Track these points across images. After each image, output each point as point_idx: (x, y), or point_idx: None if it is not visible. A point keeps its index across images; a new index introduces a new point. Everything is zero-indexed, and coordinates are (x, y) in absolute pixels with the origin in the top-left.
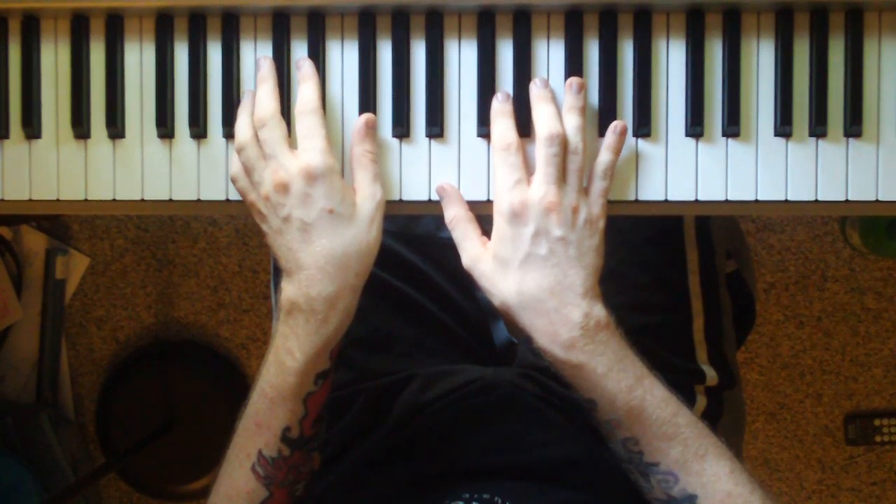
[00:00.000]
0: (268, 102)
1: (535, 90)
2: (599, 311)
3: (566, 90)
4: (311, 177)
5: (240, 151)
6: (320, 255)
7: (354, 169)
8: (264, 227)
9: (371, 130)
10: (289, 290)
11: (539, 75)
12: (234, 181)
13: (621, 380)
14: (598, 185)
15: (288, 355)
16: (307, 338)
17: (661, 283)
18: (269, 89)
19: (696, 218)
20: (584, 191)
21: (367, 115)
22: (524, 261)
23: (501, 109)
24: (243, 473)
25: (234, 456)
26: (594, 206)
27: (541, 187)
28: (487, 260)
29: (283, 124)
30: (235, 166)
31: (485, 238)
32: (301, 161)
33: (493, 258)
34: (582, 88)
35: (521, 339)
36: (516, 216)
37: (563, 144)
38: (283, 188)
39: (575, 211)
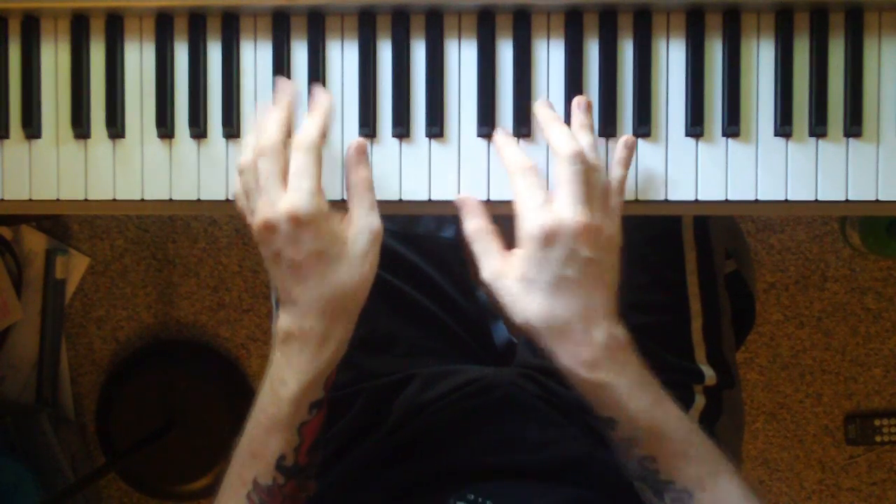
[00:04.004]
0: (272, 132)
1: (545, 112)
2: (620, 330)
3: (574, 110)
4: (298, 222)
5: (240, 173)
6: (311, 295)
7: (349, 197)
8: (261, 251)
9: (363, 156)
10: (283, 319)
11: (539, 75)
12: (235, 199)
13: (641, 398)
14: (614, 201)
15: (282, 384)
16: (301, 367)
17: (660, 284)
18: (279, 118)
19: (695, 218)
20: (604, 207)
21: (357, 141)
22: (553, 283)
23: (507, 140)
24: (239, 501)
25: (230, 483)
26: (614, 223)
27: (570, 207)
28: (512, 278)
29: (283, 158)
30: (237, 185)
31: (506, 252)
32: (288, 203)
33: (520, 278)
34: (589, 108)
35: (520, 339)
36: (547, 238)
37: (585, 162)
38: (271, 229)
39: (600, 230)
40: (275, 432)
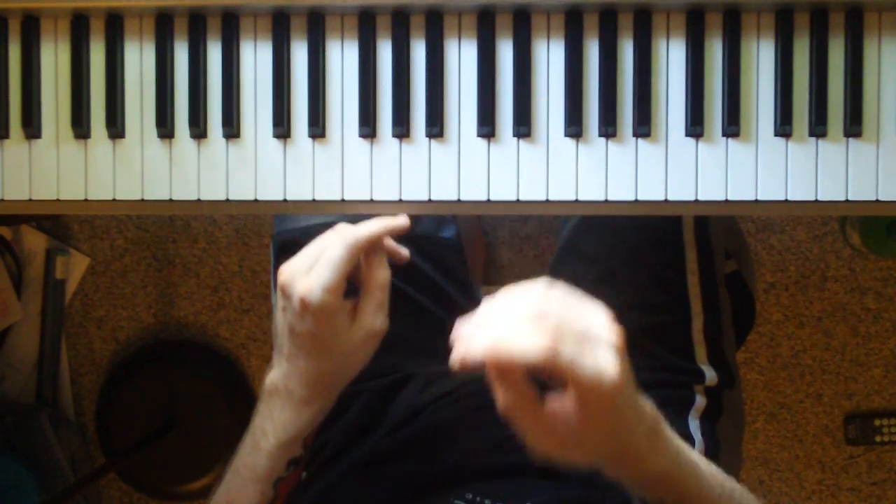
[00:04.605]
0: (326, 277)
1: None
2: (650, 406)
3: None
4: (305, 307)
5: (280, 274)
6: (300, 364)
7: (363, 289)
8: (276, 297)
9: (384, 258)
10: (273, 373)
11: (539, 75)
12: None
13: (684, 467)
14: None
15: (263, 436)
16: (282, 423)
17: (660, 284)
18: (340, 260)
19: (695, 218)
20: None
21: (390, 242)
22: (607, 437)
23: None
24: None
25: None
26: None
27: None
28: (562, 453)
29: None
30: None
31: (543, 408)
32: (305, 287)
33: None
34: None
35: None
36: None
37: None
38: (286, 295)
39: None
40: (252, 484)
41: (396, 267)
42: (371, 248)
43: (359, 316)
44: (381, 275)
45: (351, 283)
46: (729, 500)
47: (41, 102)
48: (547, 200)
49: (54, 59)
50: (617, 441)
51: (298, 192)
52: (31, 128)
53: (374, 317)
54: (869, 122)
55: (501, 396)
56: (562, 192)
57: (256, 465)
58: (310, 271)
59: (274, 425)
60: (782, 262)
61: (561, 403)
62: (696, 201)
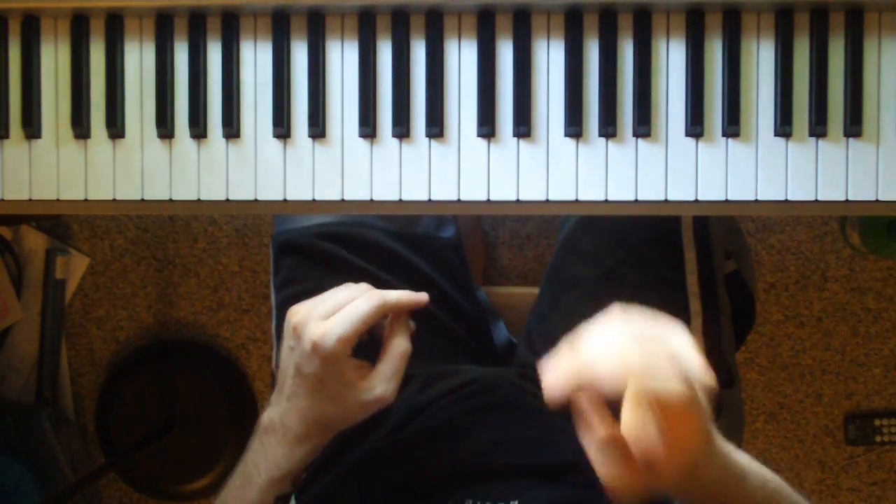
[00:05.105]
0: (340, 335)
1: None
2: (712, 427)
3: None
4: (315, 351)
5: (292, 314)
6: (300, 402)
7: (382, 352)
8: (284, 333)
9: (407, 329)
10: (271, 410)
11: (539, 75)
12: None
13: (751, 482)
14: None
15: (255, 471)
16: (274, 460)
17: (659, 283)
18: (354, 323)
19: (695, 218)
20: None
21: (411, 324)
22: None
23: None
24: None
25: None
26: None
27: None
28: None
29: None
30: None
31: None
32: (319, 331)
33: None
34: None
35: (520, 339)
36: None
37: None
38: (297, 335)
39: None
40: None
41: (397, 267)
42: (395, 314)
43: (371, 376)
44: (403, 345)
45: (359, 344)
46: (769, 499)
47: (41, 102)
48: (547, 200)
49: (54, 59)
50: (695, 470)
51: (298, 192)
52: (31, 128)
53: (386, 382)
54: (869, 122)
55: (594, 434)
56: (562, 192)
57: (246, 498)
58: (327, 318)
59: (267, 461)
60: (782, 262)
61: (642, 430)
62: (696, 201)
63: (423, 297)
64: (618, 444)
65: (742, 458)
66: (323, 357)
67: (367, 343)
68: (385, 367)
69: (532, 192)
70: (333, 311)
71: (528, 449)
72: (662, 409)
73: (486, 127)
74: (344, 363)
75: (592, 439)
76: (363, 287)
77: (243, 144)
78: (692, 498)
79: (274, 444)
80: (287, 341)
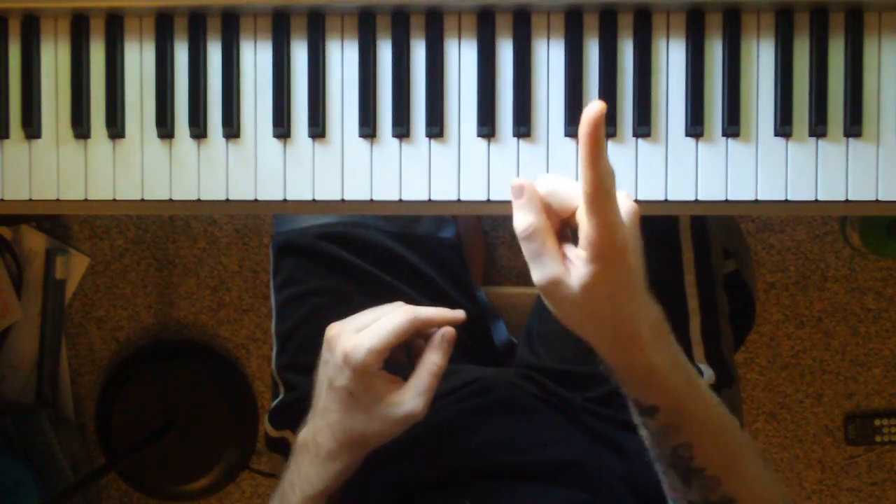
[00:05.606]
0: (370, 347)
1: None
2: (657, 308)
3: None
4: (346, 363)
5: (329, 329)
6: (332, 417)
7: (416, 368)
8: (323, 348)
9: (450, 347)
10: (305, 429)
11: (539, 75)
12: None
13: (679, 376)
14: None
15: (290, 489)
16: (307, 478)
17: (657, 283)
18: (385, 335)
19: (693, 217)
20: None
21: (451, 331)
22: (616, 294)
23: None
24: None
25: None
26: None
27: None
28: (573, 288)
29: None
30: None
31: (561, 252)
32: (350, 343)
33: (582, 288)
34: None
35: (520, 340)
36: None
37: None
38: (330, 347)
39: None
40: None
41: (397, 267)
42: (436, 341)
43: (402, 391)
44: (438, 360)
45: (398, 367)
46: (720, 425)
47: (41, 102)
48: None
49: (54, 59)
50: (621, 316)
51: (298, 192)
52: (31, 128)
53: (416, 398)
54: (869, 122)
55: (523, 219)
56: None
57: None
58: (360, 331)
59: (300, 479)
60: (782, 262)
61: (575, 252)
62: (696, 201)
63: (459, 314)
64: (542, 238)
65: (695, 375)
66: (353, 369)
67: (406, 366)
68: (416, 383)
69: None
70: (367, 326)
71: (528, 449)
72: (594, 224)
73: (486, 127)
74: (375, 376)
75: (524, 226)
76: (399, 304)
77: (243, 144)
78: (639, 384)
79: (307, 462)
80: (322, 355)
